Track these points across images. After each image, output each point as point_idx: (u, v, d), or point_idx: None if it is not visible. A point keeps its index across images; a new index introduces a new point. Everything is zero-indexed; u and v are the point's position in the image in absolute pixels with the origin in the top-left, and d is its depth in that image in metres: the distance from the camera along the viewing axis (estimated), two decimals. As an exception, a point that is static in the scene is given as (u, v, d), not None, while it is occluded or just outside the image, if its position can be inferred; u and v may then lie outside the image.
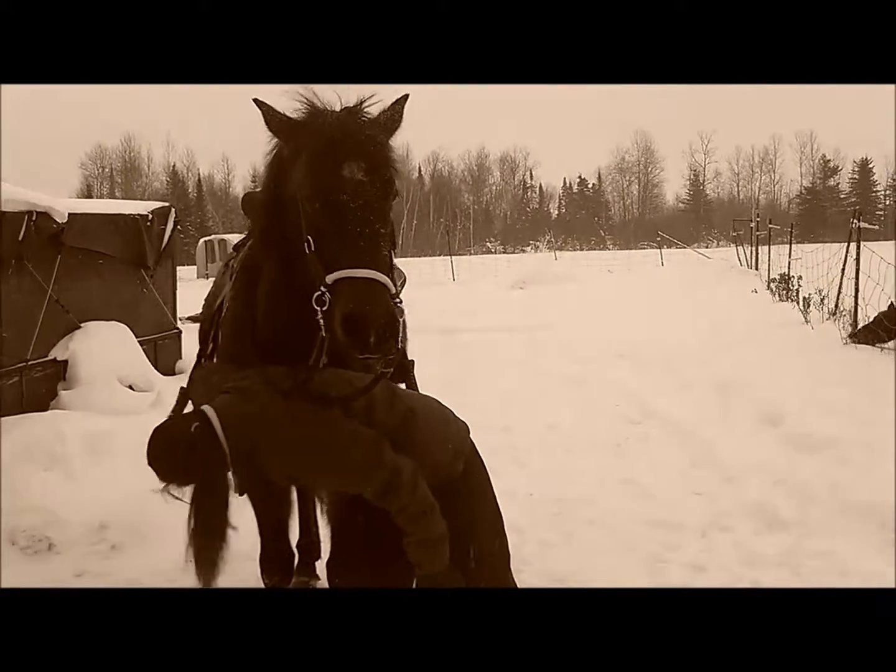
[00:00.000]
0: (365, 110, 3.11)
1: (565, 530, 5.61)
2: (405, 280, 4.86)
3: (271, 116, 3.11)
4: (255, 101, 3.11)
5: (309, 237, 2.93)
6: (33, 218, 7.64)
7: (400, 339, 2.87)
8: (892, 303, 10.24)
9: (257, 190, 3.87)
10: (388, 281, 2.82)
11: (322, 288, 2.83)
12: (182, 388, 4.30)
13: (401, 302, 2.97)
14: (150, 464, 3.05)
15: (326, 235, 2.89)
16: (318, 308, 2.84)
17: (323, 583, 4.40)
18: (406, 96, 3.25)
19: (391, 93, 3.26)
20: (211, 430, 3.00)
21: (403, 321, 3.49)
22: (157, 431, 3.11)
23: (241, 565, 4.90)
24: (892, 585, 4.45)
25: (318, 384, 3.05)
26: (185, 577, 5.04)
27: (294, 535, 4.44)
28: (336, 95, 3.13)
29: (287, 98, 3.11)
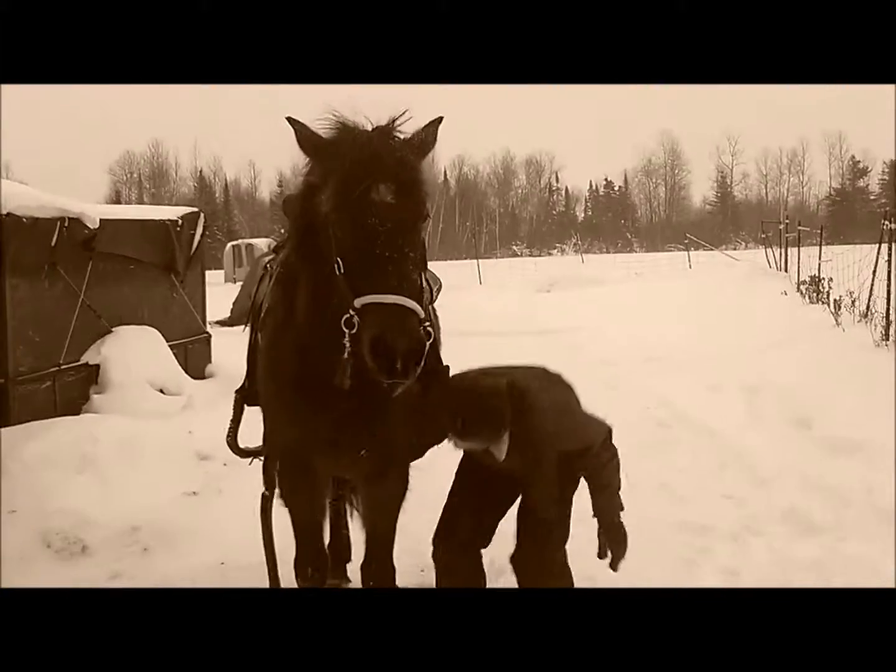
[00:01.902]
0: (398, 130, 3.08)
1: (594, 535, 5.58)
2: (441, 286, 4.88)
3: (303, 136, 3.10)
4: (289, 119, 3.10)
5: (339, 259, 2.93)
6: (65, 224, 7.72)
7: (428, 348, 2.87)
8: None
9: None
10: (416, 306, 2.81)
11: (351, 311, 2.84)
12: (237, 391, 4.38)
13: (430, 324, 2.96)
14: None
15: (355, 258, 2.88)
16: (347, 331, 2.86)
17: (355, 584, 4.41)
18: (440, 118, 3.23)
19: (391, 93, 3.25)
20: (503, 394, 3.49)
21: (436, 326, 3.51)
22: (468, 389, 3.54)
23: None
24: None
25: None
26: (217, 579, 5.10)
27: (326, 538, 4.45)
28: (366, 117, 3.10)
29: (322, 109, 3.10)
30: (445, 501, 4.01)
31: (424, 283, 3.17)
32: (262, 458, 4.41)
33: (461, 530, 3.89)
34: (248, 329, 4.35)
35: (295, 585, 4.03)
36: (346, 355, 2.95)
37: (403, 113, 3.11)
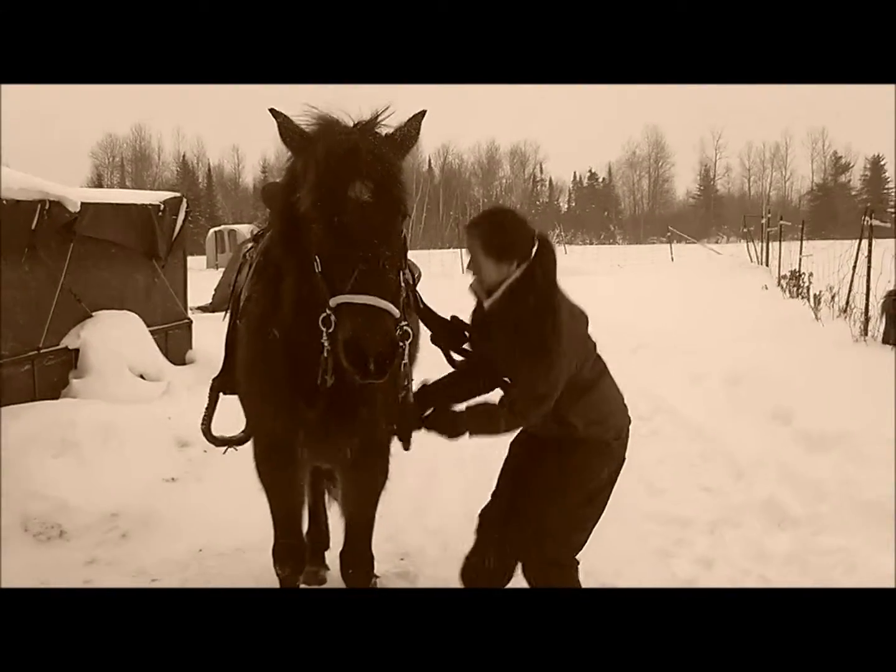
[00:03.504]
0: (380, 125, 3.07)
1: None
2: (420, 274, 4.87)
3: (286, 129, 3.08)
4: (272, 111, 3.08)
5: (316, 257, 2.92)
6: (46, 207, 7.66)
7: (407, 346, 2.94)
8: (889, 291, 10.22)
9: (276, 181, 3.86)
10: (390, 306, 2.80)
11: (327, 310, 2.84)
12: (213, 379, 4.36)
13: (407, 324, 2.96)
14: None
15: (331, 257, 2.87)
16: (324, 329, 2.86)
17: (333, 572, 4.42)
18: (423, 112, 3.22)
19: (391, 93, 3.24)
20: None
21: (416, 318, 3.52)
22: None
23: (254, 556, 4.95)
24: (897, 584, 4.45)
25: None
26: (195, 566, 5.11)
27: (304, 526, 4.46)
28: (350, 112, 3.09)
29: (301, 101, 3.09)
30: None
31: (406, 274, 3.17)
32: (237, 447, 4.41)
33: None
34: (227, 317, 4.32)
35: (273, 574, 4.04)
36: (325, 353, 2.95)
37: (386, 108, 3.10)
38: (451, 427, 3.49)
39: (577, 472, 3.66)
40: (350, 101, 3.14)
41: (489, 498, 3.91)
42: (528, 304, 3.42)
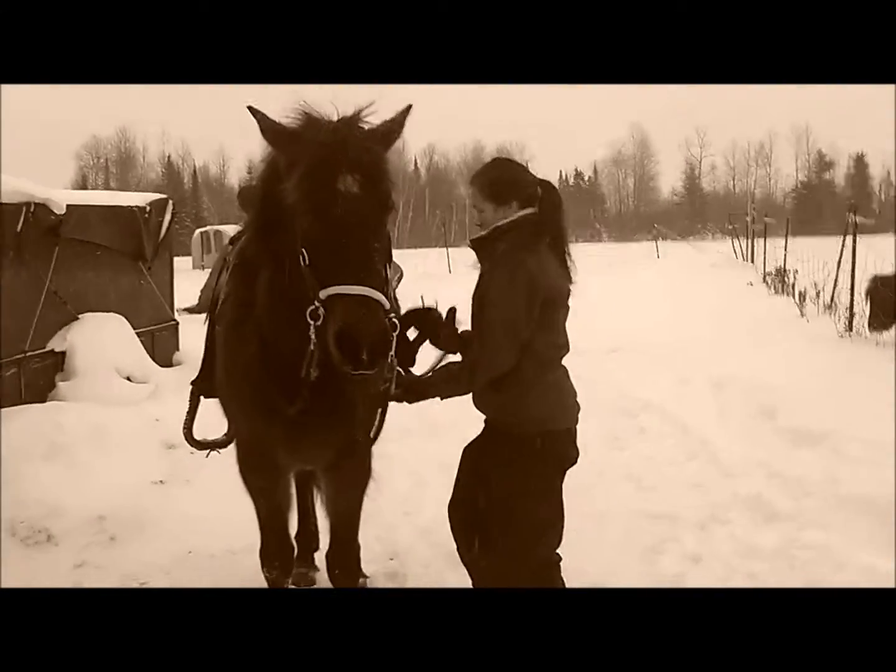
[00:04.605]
0: (364, 120, 3.07)
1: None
2: (402, 275, 4.88)
3: (266, 125, 3.08)
4: (250, 108, 3.08)
5: (303, 250, 2.92)
6: (31, 209, 7.65)
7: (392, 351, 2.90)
8: (874, 276, 10.30)
9: (254, 184, 3.86)
10: (382, 297, 2.81)
11: (316, 302, 2.84)
12: (192, 382, 4.34)
13: (395, 316, 2.97)
14: None
15: (320, 250, 2.87)
16: (312, 322, 2.86)
17: (322, 573, 4.43)
18: (409, 107, 3.23)
19: (392, 93, 3.24)
20: None
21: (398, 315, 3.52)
22: None
23: (242, 559, 4.94)
24: (887, 579, 4.47)
25: None
26: (184, 568, 5.10)
27: (293, 528, 4.46)
28: (333, 105, 3.08)
29: (284, 101, 3.09)
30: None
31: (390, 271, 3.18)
32: (220, 450, 4.41)
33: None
34: (206, 320, 4.32)
35: (261, 576, 4.05)
36: (311, 347, 2.95)
37: (370, 104, 3.11)
38: (420, 392, 3.48)
39: (522, 476, 3.55)
40: (330, 100, 3.13)
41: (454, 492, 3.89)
42: (516, 254, 3.43)
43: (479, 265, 3.62)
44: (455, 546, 3.89)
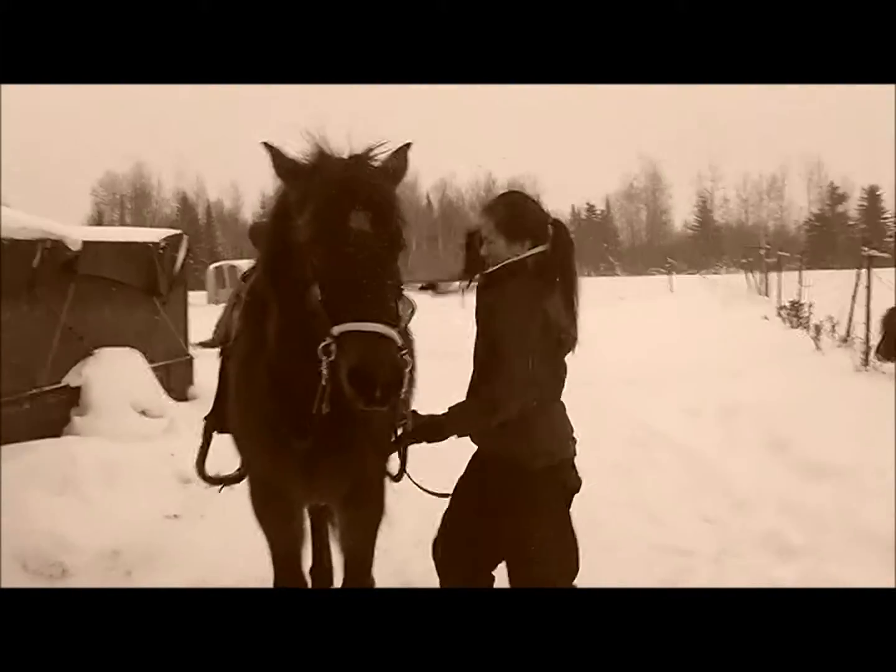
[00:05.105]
0: (374, 157, 3.11)
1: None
2: (414, 310, 4.87)
3: (280, 161, 3.11)
4: (265, 144, 3.11)
5: (316, 286, 2.93)
6: (47, 246, 7.71)
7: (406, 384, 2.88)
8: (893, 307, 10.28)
9: (264, 220, 3.89)
10: (395, 334, 2.81)
11: (328, 338, 2.84)
12: (205, 417, 4.34)
13: (407, 353, 2.96)
14: None
15: (332, 286, 2.88)
16: (324, 358, 2.86)
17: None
18: (409, 144, 3.27)
19: (393, 93, 3.24)
20: None
21: (411, 350, 3.52)
22: None
23: (255, 592, 4.91)
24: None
25: None
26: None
27: (307, 563, 4.44)
28: (346, 140, 3.12)
29: (296, 135, 3.11)
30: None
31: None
32: (233, 485, 4.41)
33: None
34: (219, 355, 4.34)
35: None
36: (323, 382, 2.95)
37: (382, 144, 3.15)
38: (434, 431, 3.42)
39: (535, 509, 3.54)
40: (337, 129, 3.16)
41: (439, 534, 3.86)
42: (526, 290, 3.43)
43: (478, 293, 3.61)
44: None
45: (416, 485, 3.65)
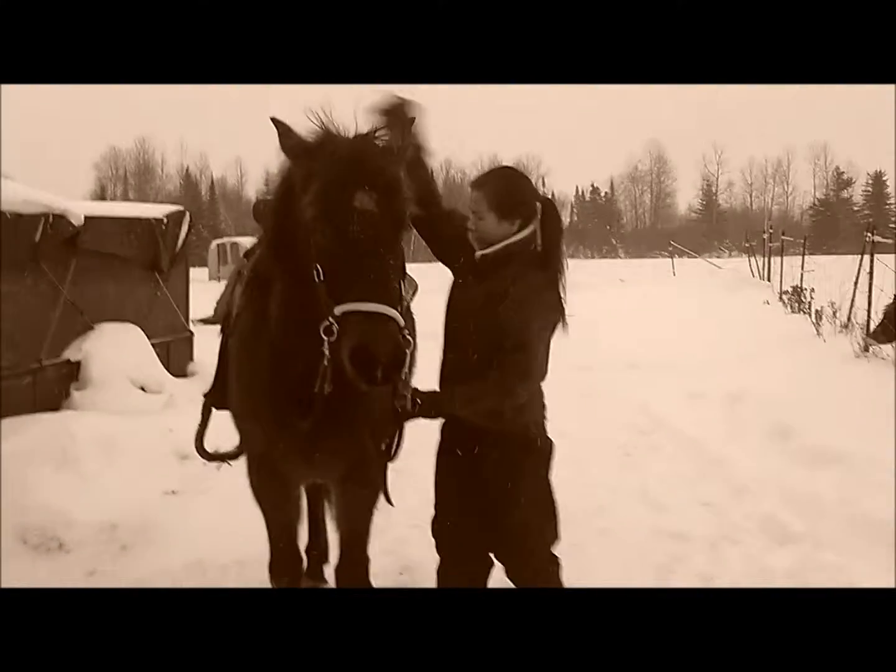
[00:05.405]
0: (379, 137, 3.08)
1: (574, 540, 5.61)
2: (417, 289, 4.85)
3: (287, 137, 3.09)
4: (273, 119, 3.09)
5: (318, 266, 2.93)
6: (50, 220, 7.69)
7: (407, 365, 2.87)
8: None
9: (269, 198, 3.88)
10: (397, 314, 2.81)
11: (330, 318, 2.84)
12: (205, 394, 4.35)
13: (409, 333, 2.95)
14: None
15: (336, 266, 2.88)
16: (326, 338, 2.86)
17: (331, 586, 4.41)
18: (413, 119, 3.28)
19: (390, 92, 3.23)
20: None
21: (412, 329, 3.51)
22: None
23: (250, 569, 4.94)
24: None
25: None
26: (193, 579, 5.10)
27: (303, 540, 4.45)
28: (352, 117, 3.10)
29: (307, 109, 3.09)
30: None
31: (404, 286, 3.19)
32: (231, 462, 4.41)
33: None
34: (220, 332, 4.33)
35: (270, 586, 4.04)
36: (325, 362, 2.95)
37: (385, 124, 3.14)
38: (436, 406, 3.40)
39: (522, 473, 3.58)
40: (345, 105, 3.15)
41: (435, 512, 3.84)
42: (535, 275, 3.43)
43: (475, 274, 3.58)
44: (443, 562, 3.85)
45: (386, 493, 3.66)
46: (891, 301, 10.40)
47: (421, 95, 3.49)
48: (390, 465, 3.64)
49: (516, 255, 3.47)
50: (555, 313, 3.47)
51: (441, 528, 3.81)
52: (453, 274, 3.73)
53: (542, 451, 3.64)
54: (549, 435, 3.71)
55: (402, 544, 5.46)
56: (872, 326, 10.98)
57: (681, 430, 8.53)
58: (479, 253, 3.53)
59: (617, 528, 5.86)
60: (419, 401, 3.34)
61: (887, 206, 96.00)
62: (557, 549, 3.74)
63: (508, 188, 3.52)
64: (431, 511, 3.87)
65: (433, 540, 3.85)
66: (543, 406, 3.67)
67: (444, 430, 3.75)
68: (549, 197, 3.62)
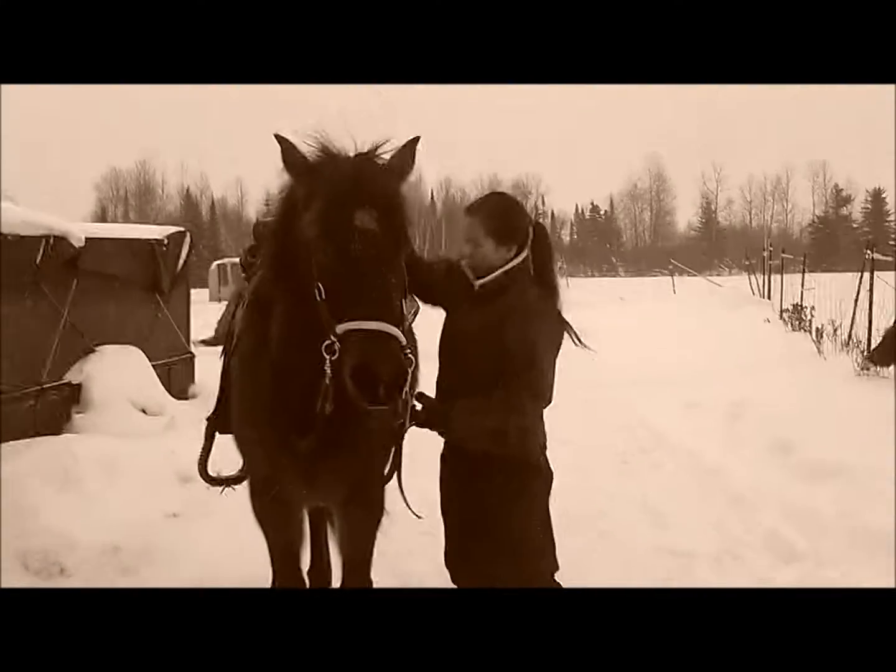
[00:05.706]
0: (380, 155, 3.11)
1: (574, 549, 5.58)
2: (418, 310, 4.85)
3: (290, 154, 3.11)
4: (277, 136, 3.11)
5: (319, 284, 2.94)
6: (50, 242, 7.71)
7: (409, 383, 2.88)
8: None
9: (269, 218, 3.89)
10: (398, 332, 2.82)
11: (332, 337, 2.85)
12: (207, 418, 4.34)
13: (411, 352, 2.95)
14: None
15: (337, 284, 2.89)
16: (328, 356, 2.86)
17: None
18: (417, 138, 3.26)
19: (395, 91, 3.24)
20: None
21: (414, 349, 3.50)
22: None
23: (254, 591, 4.91)
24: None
25: None
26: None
27: (305, 563, 4.44)
28: (351, 138, 3.12)
29: (300, 132, 3.11)
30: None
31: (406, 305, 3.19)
32: (235, 486, 4.40)
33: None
34: (222, 355, 4.33)
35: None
36: (327, 381, 2.95)
37: (386, 141, 3.15)
38: (438, 415, 3.37)
39: (527, 498, 3.57)
40: (350, 125, 3.16)
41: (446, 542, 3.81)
42: (535, 297, 3.46)
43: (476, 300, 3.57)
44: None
45: (405, 499, 3.62)
46: (892, 324, 10.38)
47: (421, 96, 3.50)
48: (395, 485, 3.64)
49: (515, 279, 3.48)
50: (558, 334, 3.50)
51: (454, 560, 3.78)
52: (445, 309, 3.76)
53: (545, 477, 3.63)
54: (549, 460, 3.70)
55: (406, 565, 5.45)
56: (874, 345, 10.97)
57: (682, 446, 8.55)
58: (479, 281, 3.53)
59: (619, 543, 5.86)
60: (422, 405, 3.34)
61: (887, 224, 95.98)
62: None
63: (504, 214, 3.54)
64: (435, 532, 3.86)
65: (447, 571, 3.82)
66: (544, 434, 3.65)
67: (447, 455, 3.74)
68: (540, 220, 3.64)
